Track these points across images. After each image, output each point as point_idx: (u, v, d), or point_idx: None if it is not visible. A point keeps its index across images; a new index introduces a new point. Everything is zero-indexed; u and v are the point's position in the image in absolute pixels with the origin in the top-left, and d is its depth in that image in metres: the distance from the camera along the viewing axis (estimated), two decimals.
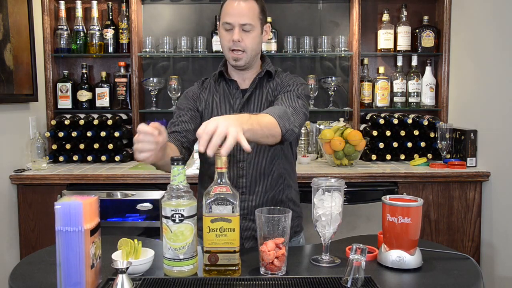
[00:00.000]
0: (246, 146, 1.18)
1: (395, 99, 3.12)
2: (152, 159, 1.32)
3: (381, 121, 2.90)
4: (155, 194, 2.57)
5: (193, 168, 2.73)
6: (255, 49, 1.67)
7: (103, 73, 3.09)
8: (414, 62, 3.11)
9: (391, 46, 3.09)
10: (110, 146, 2.88)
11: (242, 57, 1.65)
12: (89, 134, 2.84)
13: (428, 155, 2.88)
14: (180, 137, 1.65)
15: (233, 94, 1.72)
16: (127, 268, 1.11)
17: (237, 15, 1.61)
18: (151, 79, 3.08)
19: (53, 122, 2.90)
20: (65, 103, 3.05)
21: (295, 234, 1.78)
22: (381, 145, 2.88)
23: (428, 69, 3.11)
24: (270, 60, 1.80)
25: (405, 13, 3.08)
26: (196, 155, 2.61)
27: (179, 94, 3.11)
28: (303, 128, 3.08)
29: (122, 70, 3.10)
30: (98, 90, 3.06)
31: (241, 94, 1.71)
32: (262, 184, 1.68)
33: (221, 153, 1.18)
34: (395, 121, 2.87)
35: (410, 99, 3.11)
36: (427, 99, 3.10)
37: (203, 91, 1.77)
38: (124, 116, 3.06)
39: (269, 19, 3.05)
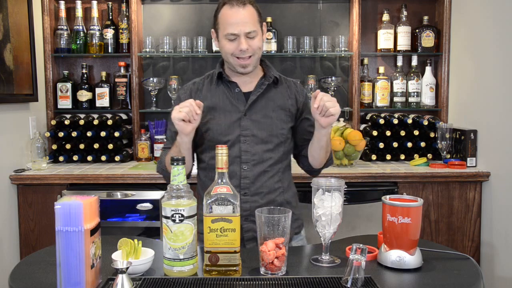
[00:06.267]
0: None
1: (395, 99, 3.12)
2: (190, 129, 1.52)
3: (381, 121, 2.90)
4: (155, 194, 2.57)
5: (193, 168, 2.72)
6: (261, 51, 1.67)
7: (103, 73, 3.09)
8: (414, 62, 3.11)
9: (391, 46, 3.09)
10: (110, 146, 2.88)
11: (250, 62, 1.64)
12: (89, 134, 2.84)
13: (428, 155, 2.88)
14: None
15: (235, 97, 1.70)
16: (127, 268, 1.11)
17: (241, 24, 1.58)
18: (151, 79, 3.08)
19: (53, 122, 2.90)
20: (65, 103, 3.04)
21: (295, 234, 1.78)
22: (381, 145, 2.88)
23: (428, 69, 3.11)
24: (271, 64, 1.79)
25: (405, 13, 3.08)
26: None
27: None
28: None
29: (122, 70, 3.10)
30: (98, 90, 3.06)
31: (243, 96, 1.70)
32: (263, 186, 1.68)
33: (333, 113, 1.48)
34: (395, 121, 2.87)
35: (410, 99, 3.11)
36: (427, 99, 3.09)
37: (196, 94, 1.73)
38: (124, 116, 3.06)
39: (269, 19, 3.05)
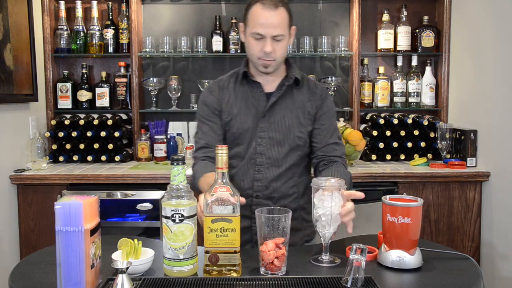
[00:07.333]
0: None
1: (395, 99, 3.12)
2: None
3: (381, 121, 2.90)
4: (155, 194, 2.57)
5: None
6: (285, 55, 1.66)
7: (103, 73, 3.09)
8: (414, 62, 3.11)
9: (391, 46, 3.09)
10: (110, 146, 2.88)
11: (272, 64, 1.62)
12: (89, 134, 2.84)
13: (428, 155, 2.88)
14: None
15: (256, 97, 1.68)
16: (127, 268, 1.11)
17: (270, 26, 1.56)
18: (151, 79, 3.08)
19: (53, 122, 2.90)
20: (65, 103, 3.04)
21: (306, 242, 1.75)
22: (381, 145, 2.88)
23: (428, 69, 3.11)
24: (294, 62, 1.76)
25: (405, 13, 3.08)
26: None
27: (179, 94, 3.11)
28: None
29: (122, 70, 3.10)
30: (98, 90, 3.06)
31: (265, 97, 1.68)
32: (276, 191, 1.66)
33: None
34: (395, 121, 2.87)
35: (410, 99, 3.11)
36: (427, 99, 3.09)
37: (223, 91, 1.72)
38: (124, 116, 3.06)
39: None
